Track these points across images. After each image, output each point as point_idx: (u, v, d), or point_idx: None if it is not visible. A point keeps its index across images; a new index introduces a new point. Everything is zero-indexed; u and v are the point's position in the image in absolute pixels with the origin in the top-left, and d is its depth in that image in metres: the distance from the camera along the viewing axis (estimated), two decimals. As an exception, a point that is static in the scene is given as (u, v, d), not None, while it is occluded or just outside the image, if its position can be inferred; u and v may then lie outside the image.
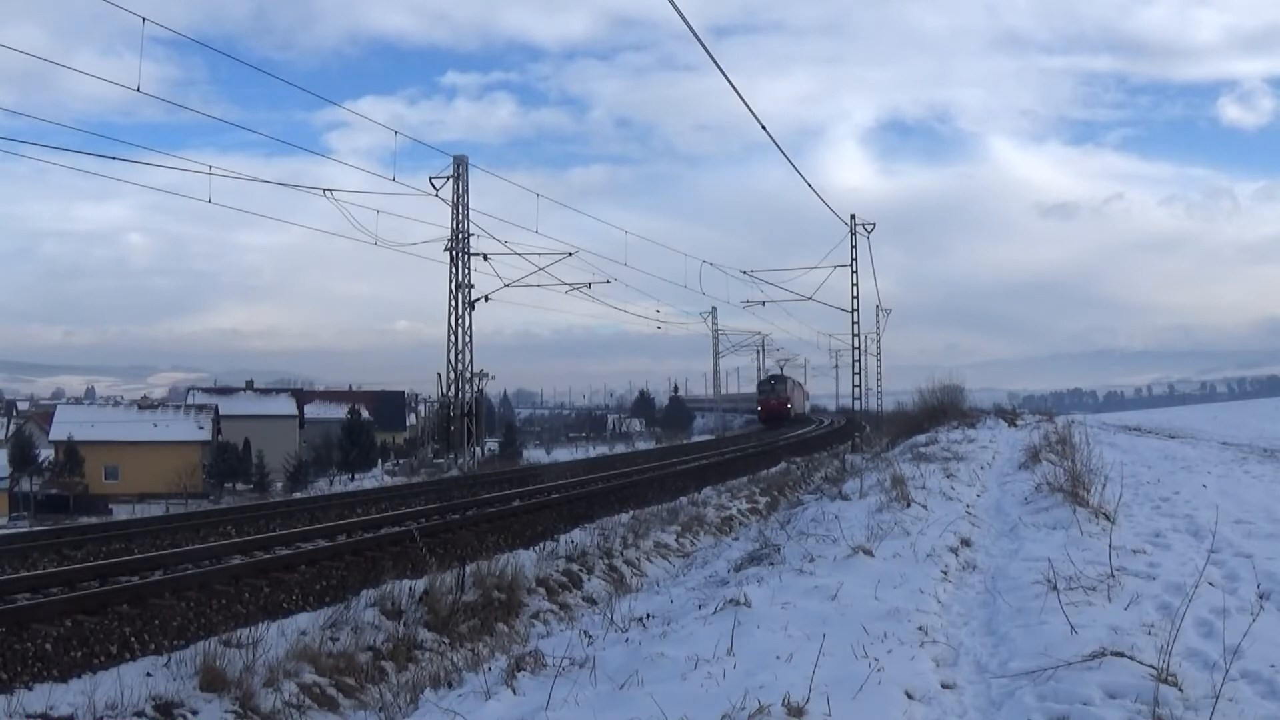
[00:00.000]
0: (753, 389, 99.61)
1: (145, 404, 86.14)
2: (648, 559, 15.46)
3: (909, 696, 5.10)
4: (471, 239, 32.53)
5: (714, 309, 69.95)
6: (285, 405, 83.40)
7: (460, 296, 32.62)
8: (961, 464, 18.79)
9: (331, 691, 8.94)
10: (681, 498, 21.60)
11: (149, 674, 8.49)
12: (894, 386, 73.94)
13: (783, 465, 31.43)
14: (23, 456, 64.50)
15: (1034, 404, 78.75)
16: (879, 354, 72.19)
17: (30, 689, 7.91)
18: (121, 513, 45.95)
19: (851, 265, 38.03)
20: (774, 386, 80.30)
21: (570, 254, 32.97)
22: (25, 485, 60.81)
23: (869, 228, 38.61)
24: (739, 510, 21.03)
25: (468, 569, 11.93)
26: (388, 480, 51.64)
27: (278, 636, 9.56)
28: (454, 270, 32.56)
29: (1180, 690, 4.92)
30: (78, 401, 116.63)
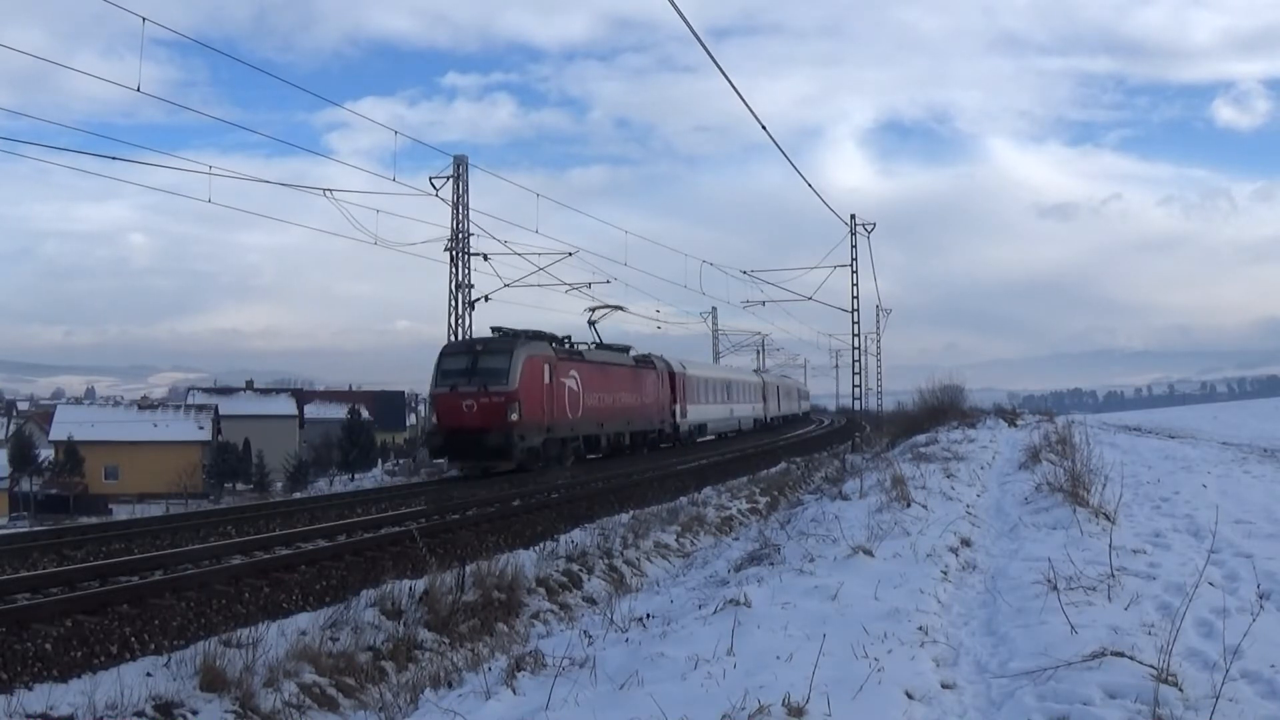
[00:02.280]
0: None
1: (145, 404, 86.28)
2: (648, 559, 15.45)
3: (909, 696, 5.11)
4: (471, 239, 32.50)
5: (714, 309, 69.25)
6: (285, 405, 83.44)
7: (460, 296, 32.60)
8: (961, 464, 18.79)
9: (331, 691, 8.93)
10: (681, 498, 21.58)
11: (149, 674, 8.48)
12: (894, 386, 73.88)
13: (783, 465, 31.41)
14: (23, 456, 64.55)
15: (1034, 404, 78.81)
16: (879, 354, 71.95)
17: (30, 689, 7.90)
18: (121, 513, 45.94)
19: (851, 265, 38.03)
20: (475, 363, 26.02)
21: (570, 254, 32.84)
22: (25, 485, 60.83)
23: (869, 228, 38.61)
24: (739, 510, 21.02)
25: (468, 569, 11.92)
26: (387, 480, 51.58)
27: (278, 636, 9.55)
28: (454, 270, 32.55)
29: (1180, 690, 4.92)
30: (78, 401, 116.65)
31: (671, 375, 39.34)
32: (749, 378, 57.71)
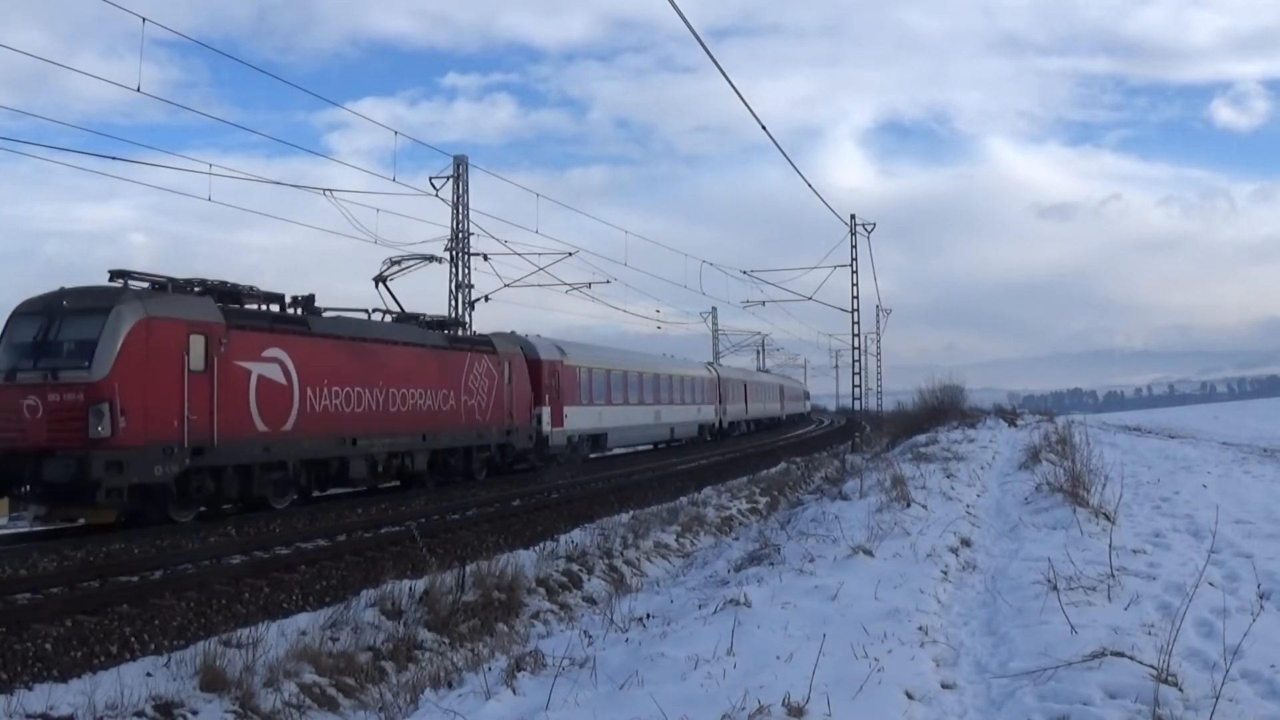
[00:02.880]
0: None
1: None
2: (648, 559, 15.45)
3: (909, 696, 5.11)
4: (471, 239, 32.53)
5: (714, 309, 69.36)
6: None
7: (460, 296, 32.60)
8: (961, 464, 18.82)
9: (331, 691, 8.93)
10: (681, 498, 21.59)
11: (149, 674, 8.49)
12: (894, 386, 73.79)
13: (783, 465, 31.40)
14: (23, 456, 64.33)
15: (1034, 404, 78.76)
16: (879, 354, 71.98)
17: (30, 689, 7.91)
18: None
19: (851, 265, 38.02)
20: (49, 330, 14.66)
21: (570, 254, 32.91)
22: (25, 485, 60.60)
23: (869, 228, 38.61)
24: (739, 510, 21.02)
25: (468, 569, 11.92)
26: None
27: (278, 636, 9.56)
28: (454, 270, 32.56)
29: (1180, 690, 4.92)
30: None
31: (535, 365, 27.01)
32: (692, 371, 43.77)
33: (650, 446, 38.50)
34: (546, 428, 27.39)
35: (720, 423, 46.69)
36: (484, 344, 24.75)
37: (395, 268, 23.17)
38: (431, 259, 24.29)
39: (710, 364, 49.64)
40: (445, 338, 23.02)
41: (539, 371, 27.26)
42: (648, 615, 7.39)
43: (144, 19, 15.72)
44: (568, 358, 29.59)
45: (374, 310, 21.60)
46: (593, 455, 31.32)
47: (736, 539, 15.49)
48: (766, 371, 71.83)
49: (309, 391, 17.70)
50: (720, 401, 46.75)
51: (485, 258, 32.37)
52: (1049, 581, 6.99)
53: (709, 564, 12.37)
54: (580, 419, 29.94)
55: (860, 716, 4.74)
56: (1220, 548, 9.06)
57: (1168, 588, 7.36)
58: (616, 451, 34.13)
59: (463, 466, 23.11)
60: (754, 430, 53.83)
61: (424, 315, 23.24)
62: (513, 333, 28.19)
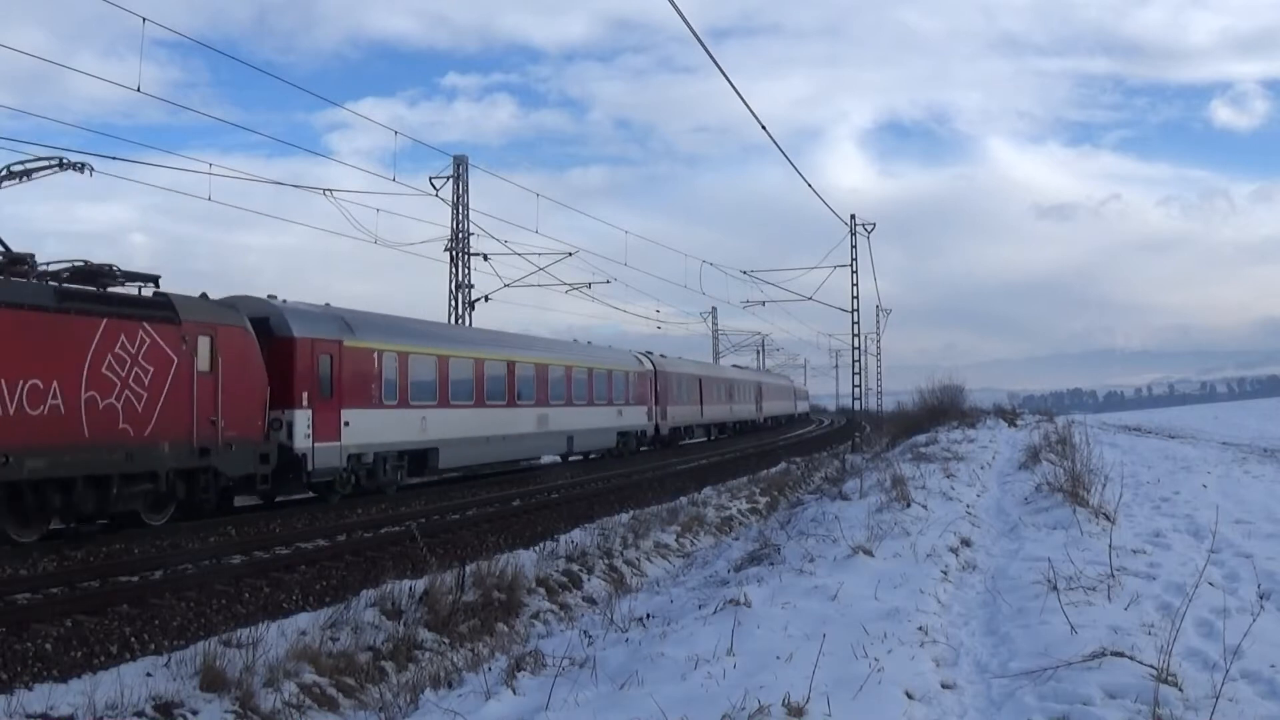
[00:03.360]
0: None
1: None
2: (648, 559, 15.44)
3: (909, 696, 5.11)
4: (471, 239, 32.55)
5: (714, 309, 69.40)
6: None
7: (460, 296, 32.61)
8: (961, 464, 18.82)
9: (331, 691, 8.92)
10: (681, 498, 21.57)
11: (149, 674, 8.48)
12: (894, 386, 73.83)
13: (783, 465, 31.38)
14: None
15: (1034, 404, 78.74)
16: (879, 354, 71.99)
17: (30, 689, 7.90)
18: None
19: (851, 265, 38.01)
20: None
21: (570, 254, 32.94)
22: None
23: (868, 228, 38.62)
24: (739, 510, 21.01)
25: (468, 569, 11.92)
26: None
27: (278, 636, 9.56)
28: (454, 270, 32.56)
29: (1180, 690, 4.93)
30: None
31: (284, 345, 17.93)
32: (609, 360, 33.48)
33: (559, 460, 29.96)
34: (303, 443, 17.92)
35: (658, 429, 37.03)
36: (152, 306, 15.15)
37: (10, 178, 14.96)
38: (65, 164, 15.24)
39: (647, 353, 38.87)
40: (53, 292, 13.66)
41: (291, 355, 17.92)
42: (648, 615, 7.40)
43: (144, 19, 15.73)
44: (356, 335, 19.77)
45: None
46: (414, 481, 22.00)
47: (736, 539, 15.49)
48: (744, 368, 63.59)
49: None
50: (658, 401, 37.09)
51: (485, 258, 32.41)
52: (1049, 581, 6.99)
53: (709, 564, 12.38)
54: (379, 428, 20.07)
55: (860, 716, 4.74)
56: (1220, 548, 9.07)
57: (1168, 588, 7.36)
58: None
59: (94, 507, 14.00)
60: (718, 437, 45.47)
61: (33, 258, 13.91)
62: (243, 296, 18.64)
